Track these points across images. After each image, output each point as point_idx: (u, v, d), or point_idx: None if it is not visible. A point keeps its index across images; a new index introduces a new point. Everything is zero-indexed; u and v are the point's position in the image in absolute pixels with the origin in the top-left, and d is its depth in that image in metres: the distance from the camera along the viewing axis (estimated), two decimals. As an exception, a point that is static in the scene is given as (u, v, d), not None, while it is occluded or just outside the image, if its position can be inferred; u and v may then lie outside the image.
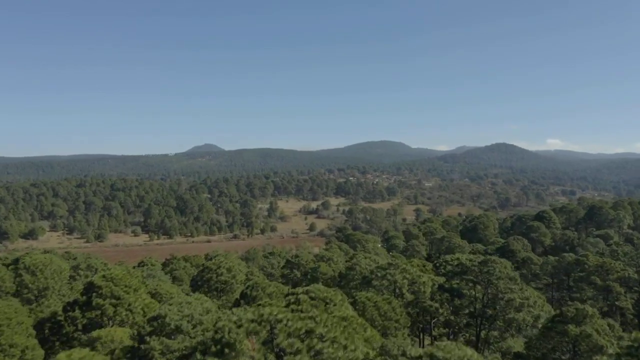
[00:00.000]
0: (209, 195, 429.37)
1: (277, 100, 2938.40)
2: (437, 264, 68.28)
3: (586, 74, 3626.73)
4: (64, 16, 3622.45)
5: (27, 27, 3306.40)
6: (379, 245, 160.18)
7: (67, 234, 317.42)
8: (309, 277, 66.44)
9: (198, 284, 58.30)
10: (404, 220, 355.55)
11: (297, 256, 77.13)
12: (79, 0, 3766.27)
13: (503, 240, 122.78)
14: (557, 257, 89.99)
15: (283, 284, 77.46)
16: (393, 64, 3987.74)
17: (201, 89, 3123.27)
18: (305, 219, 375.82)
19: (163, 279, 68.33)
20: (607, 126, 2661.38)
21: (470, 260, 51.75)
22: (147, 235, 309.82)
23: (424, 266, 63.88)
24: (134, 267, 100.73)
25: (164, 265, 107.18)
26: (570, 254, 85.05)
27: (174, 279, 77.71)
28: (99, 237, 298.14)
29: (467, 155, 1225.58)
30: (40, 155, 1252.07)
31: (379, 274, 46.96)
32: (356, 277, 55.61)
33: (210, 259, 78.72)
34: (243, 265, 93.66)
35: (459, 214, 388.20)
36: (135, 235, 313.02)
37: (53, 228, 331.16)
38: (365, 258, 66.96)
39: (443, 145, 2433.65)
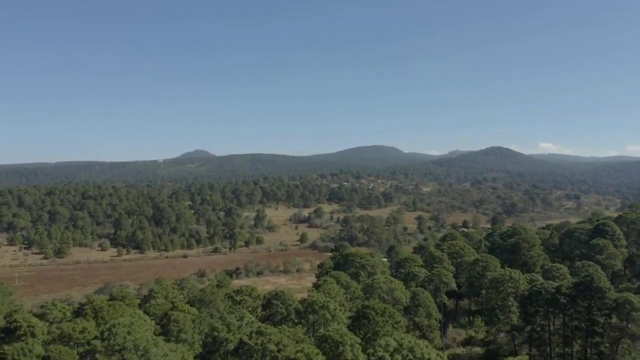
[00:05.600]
0: (190, 203, 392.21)
1: (269, 106, 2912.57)
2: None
3: (577, 76, 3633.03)
4: (51, 24, 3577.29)
5: (14, 35, 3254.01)
6: (384, 260, 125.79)
7: (26, 248, 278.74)
8: None
9: None
10: (405, 229, 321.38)
11: (260, 333, 42.00)
12: (66, 8, 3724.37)
13: (561, 267, 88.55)
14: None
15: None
16: (385, 69, 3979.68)
17: (192, 94, 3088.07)
18: (296, 228, 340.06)
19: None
20: (599, 129, 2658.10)
21: None
22: (115, 250, 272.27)
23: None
24: None
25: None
26: None
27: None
28: (58, 253, 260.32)
29: (461, 159, 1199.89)
30: (27, 163, 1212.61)
31: None
32: None
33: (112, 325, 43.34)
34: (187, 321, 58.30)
35: (465, 222, 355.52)
36: (102, 250, 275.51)
37: (12, 241, 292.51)
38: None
39: (434, 149, 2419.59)
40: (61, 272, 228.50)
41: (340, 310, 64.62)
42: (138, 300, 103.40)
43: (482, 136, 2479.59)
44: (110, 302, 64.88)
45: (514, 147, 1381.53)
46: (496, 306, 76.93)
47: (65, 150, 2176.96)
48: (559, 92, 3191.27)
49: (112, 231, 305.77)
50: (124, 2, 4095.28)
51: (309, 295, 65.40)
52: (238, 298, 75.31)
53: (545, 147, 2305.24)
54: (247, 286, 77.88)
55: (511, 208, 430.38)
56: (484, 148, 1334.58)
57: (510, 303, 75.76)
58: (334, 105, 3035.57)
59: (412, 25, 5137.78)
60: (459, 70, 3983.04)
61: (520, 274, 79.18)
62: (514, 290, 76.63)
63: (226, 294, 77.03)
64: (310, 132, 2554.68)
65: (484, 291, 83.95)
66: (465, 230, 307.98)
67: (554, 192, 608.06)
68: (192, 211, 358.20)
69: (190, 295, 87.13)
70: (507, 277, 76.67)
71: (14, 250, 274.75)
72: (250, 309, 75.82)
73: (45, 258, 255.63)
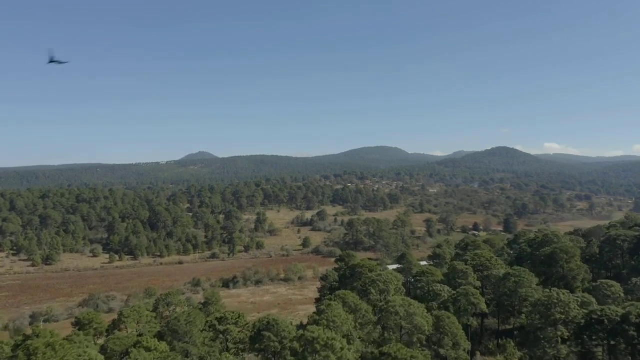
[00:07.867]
0: (188, 206, 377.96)
1: (272, 107, 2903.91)
2: None
3: (582, 76, 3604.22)
4: (51, 26, 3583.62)
5: (16, 37, 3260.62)
6: (396, 272, 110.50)
7: (14, 254, 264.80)
8: None
9: None
10: (413, 232, 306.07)
11: None
12: (68, 11, 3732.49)
13: (613, 284, 73.34)
14: None
15: None
16: (388, 70, 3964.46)
17: (195, 97, 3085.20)
18: (299, 232, 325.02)
19: None
20: (604, 129, 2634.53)
21: None
22: (108, 256, 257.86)
23: None
24: None
25: None
26: None
27: None
28: (48, 259, 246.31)
29: (467, 160, 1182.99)
30: (29, 165, 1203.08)
31: None
32: None
33: None
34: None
35: (475, 224, 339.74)
36: (94, 256, 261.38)
37: (0, 247, 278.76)
38: None
39: (438, 150, 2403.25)
40: (48, 280, 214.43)
41: (349, 348, 49.85)
42: (110, 320, 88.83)
43: (486, 137, 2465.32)
44: (50, 342, 50.31)
45: (519, 148, 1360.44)
46: (541, 336, 61.83)
47: (68, 153, 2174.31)
48: (563, 92, 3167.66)
49: (106, 236, 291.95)
50: (127, 4, 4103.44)
51: (308, 329, 50.73)
52: (221, 328, 60.65)
53: (551, 147, 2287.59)
54: (233, 312, 63.27)
55: (522, 210, 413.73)
56: (489, 148, 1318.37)
57: (559, 332, 60.68)
58: (337, 106, 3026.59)
59: (416, 27, 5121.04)
60: (462, 70, 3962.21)
61: (570, 295, 64.09)
62: (563, 317, 61.61)
63: (207, 322, 62.29)
64: (314, 134, 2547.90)
65: (523, 316, 69.15)
66: (477, 233, 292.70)
67: (563, 192, 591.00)
68: (190, 214, 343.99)
69: (172, 315, 72.17)
70: (555, 300, 61.60)
71: (1, 257, 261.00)
72: (236, 340, 61.07)
73: (33, 265, 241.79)
